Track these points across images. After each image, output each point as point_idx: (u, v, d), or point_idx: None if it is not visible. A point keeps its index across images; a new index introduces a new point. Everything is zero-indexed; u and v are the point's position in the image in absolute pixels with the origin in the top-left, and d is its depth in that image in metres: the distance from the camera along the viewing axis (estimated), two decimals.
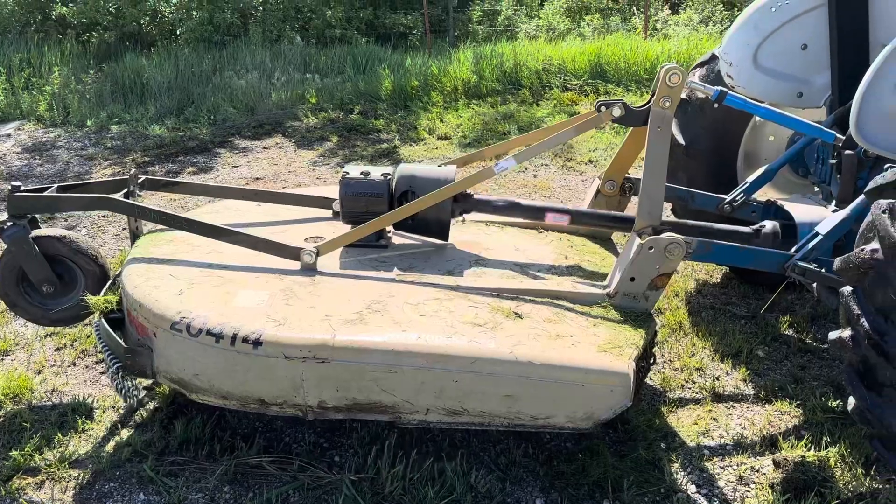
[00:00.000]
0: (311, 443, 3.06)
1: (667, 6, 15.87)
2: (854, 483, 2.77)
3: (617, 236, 3.74)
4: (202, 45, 11.89)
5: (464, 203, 3.28)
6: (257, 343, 2.50)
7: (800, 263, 2.90)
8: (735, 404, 3.32)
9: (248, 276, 2.95)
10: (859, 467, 2.83)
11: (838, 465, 2.87)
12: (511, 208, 3.34)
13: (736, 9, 15.60)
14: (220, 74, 10.60)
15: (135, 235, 3.45)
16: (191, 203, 6.14)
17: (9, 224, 3.24)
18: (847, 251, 2.71)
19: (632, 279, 2.87)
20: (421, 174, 3.24)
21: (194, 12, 12.24)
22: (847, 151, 3.19)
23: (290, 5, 13.04)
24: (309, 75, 10.95)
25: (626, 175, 3.59)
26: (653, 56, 10.99)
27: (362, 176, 3.24)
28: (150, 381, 3.26)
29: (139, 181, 3.56)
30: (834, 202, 3.35)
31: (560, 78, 10.67)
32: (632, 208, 3.47)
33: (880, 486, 2.77)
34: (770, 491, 2.76)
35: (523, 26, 14.71)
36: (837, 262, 2.41)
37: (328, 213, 3.69)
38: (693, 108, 4.07)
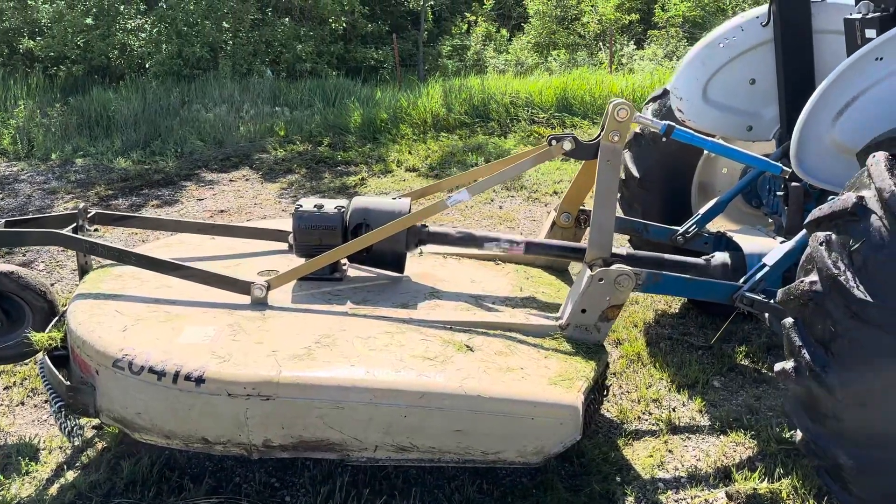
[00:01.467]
0: (262, 482, 2.99)
1: (631, 41, 16.20)
2: None
3: (574, 267, 3.75)
4: (171, 79, 11.89)
5: (419, 235, 3.28)
6: (200, 380, 2.45)
7: (748, 294, 2.93)
8: (690, 436, 3.31)
9: (196, 311, 2.90)
10: (811, 499, 2.83)
11: (790, 496, 2.87)
12: (465, 239, 3.35)
13: None
14: (188, 107, 10.58)
15: (83, 271, 3.39)
16: (151, 237, 6.07)
17: None
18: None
19: (583, 311, 2.87)
20: (374, 207, 3.23)
21: (163, 46, 12.25)
22: (794, 183, 3.25)
23: (260, 39, 13.11)
24: (278, 108, 10.97)
25: (581, 207, 3.61)
26: (618, 90, 11.17)
27: (315, 209, 3.22)
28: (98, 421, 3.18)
29: (89, 215, 3.51)
30: (783, 234, 3.40)
31: (527, 111, 10.79)
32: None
33: None
34: None
35: (492, 61, 14.91)
36: (779, 293, 2.44)
37: (284, 246, 3.66)
38: (646, 141, 4.13)
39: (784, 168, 3.20)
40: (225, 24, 13.01)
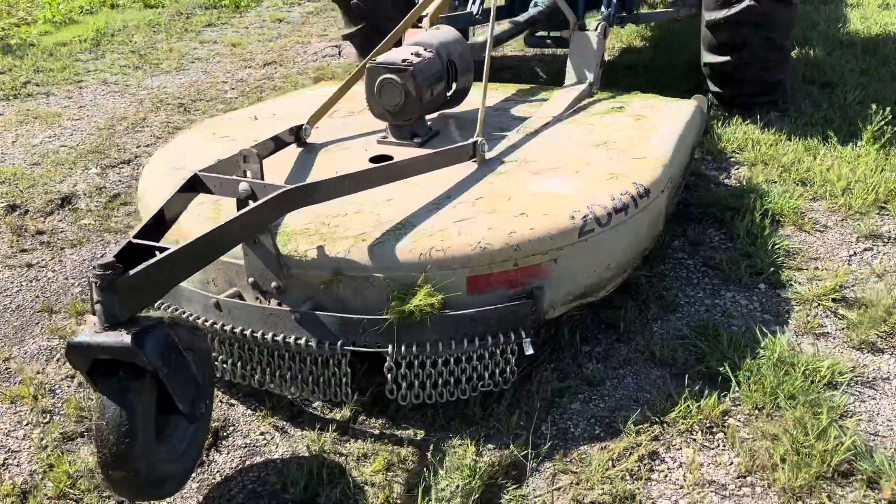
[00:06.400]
0: None
1: None
2: None
3: None
4: None
5: None
6: (647, 193, 2.48)
7: (621, 16, 4.21)
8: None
9: (481, 186, 2.51)
10: None
11: None
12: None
13: None
14: None
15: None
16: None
17: (137, 330, 1.63)
18: None
19: (598, 65, 3.64)
20: (445, 40, 3.03)
21: None
22: None
23: None
24: None
25: None
26: None
27: (416, 56, 2.80)
28: None
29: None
30: None
31: None
32: None
33: None
34: None
35: None
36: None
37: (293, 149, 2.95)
38: None
39: None
40: None
